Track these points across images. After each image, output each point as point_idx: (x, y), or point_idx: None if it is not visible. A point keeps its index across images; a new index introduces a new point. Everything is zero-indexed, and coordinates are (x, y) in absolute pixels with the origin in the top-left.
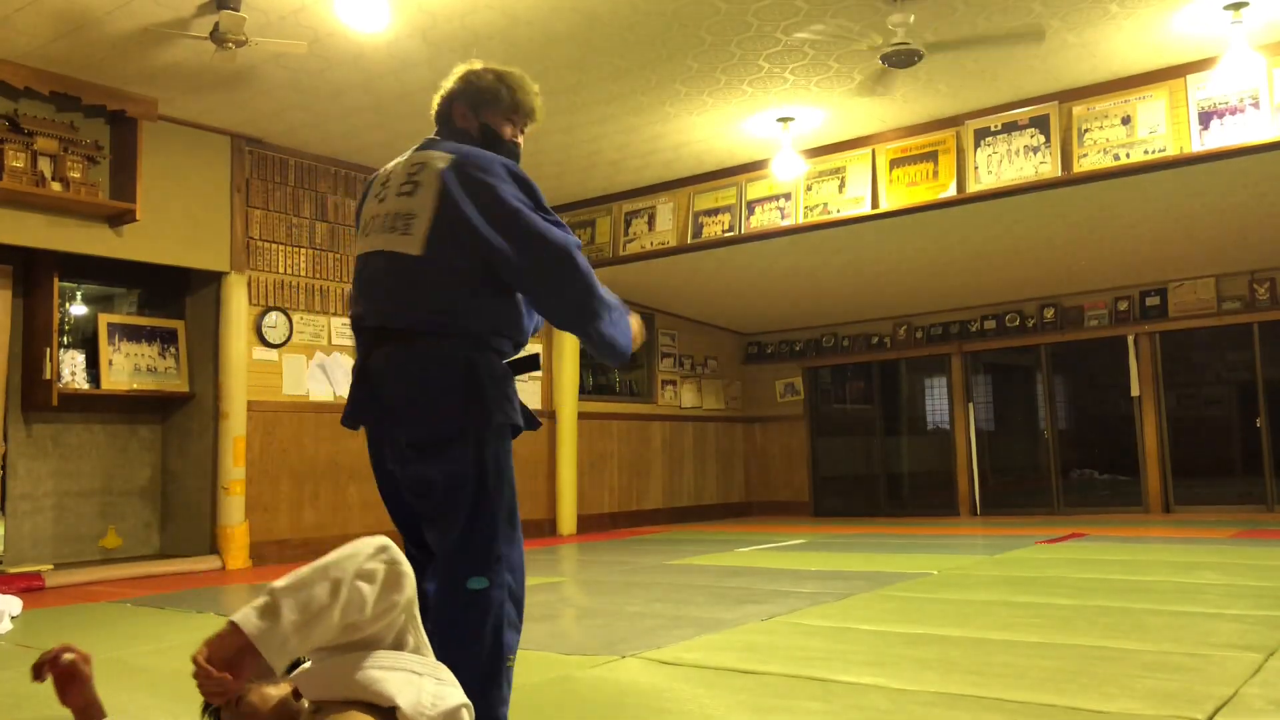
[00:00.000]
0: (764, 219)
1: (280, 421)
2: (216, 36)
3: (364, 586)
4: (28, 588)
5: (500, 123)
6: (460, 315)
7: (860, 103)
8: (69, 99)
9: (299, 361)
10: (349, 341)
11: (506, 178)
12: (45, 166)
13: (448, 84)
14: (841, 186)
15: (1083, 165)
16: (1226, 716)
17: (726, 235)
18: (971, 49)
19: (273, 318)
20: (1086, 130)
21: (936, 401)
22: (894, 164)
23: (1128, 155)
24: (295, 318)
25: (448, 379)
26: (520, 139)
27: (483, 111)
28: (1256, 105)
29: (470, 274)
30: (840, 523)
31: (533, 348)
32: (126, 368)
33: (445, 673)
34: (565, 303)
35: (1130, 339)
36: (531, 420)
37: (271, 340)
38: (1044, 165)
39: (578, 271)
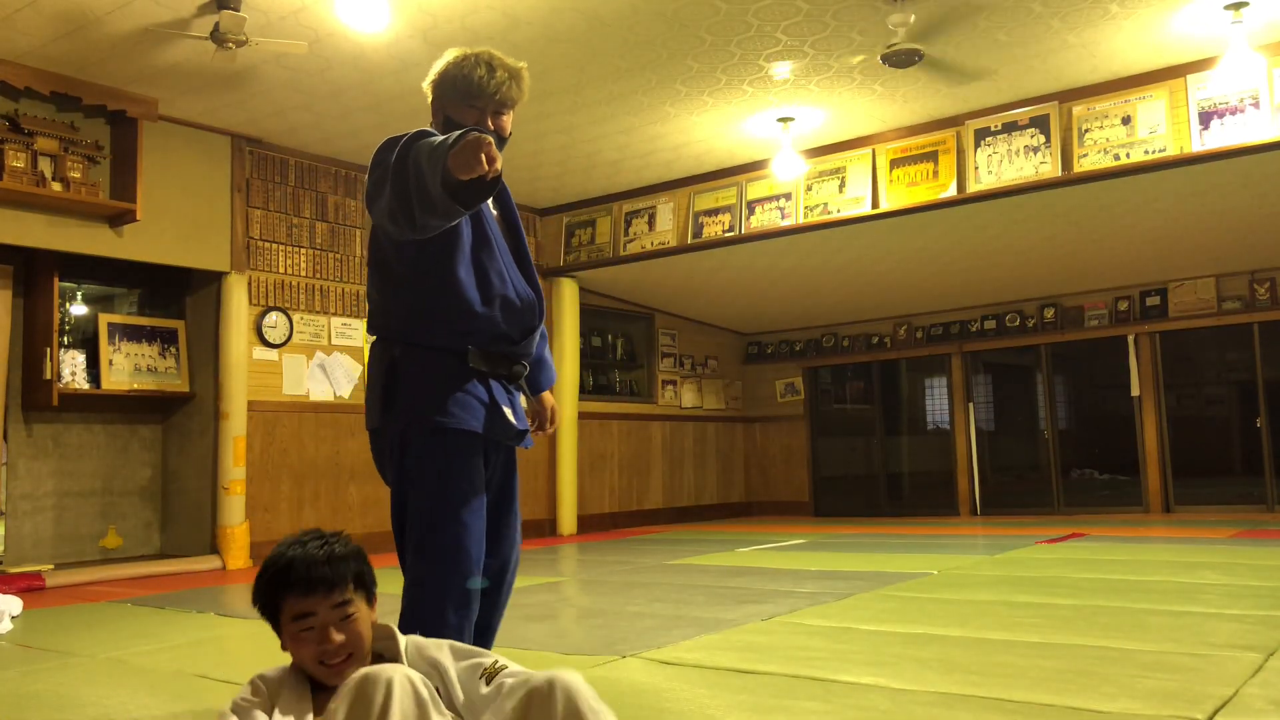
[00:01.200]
0: (764, 219)
1: (280, 421)
2: (217, 36)
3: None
4: (28, 588)
5: (462, 112)
6: (381, 314)
7: (860, 103)
8: (69, 99)
9: (299, 361)
10: (349, 341)
11: (383, 152)
12: (45, 166)
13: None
14: (841, 186)
15: (1083, 165)
16: (1226, 716)
17: (726, 235)
18: (940, 69)
19: (273, 318)
20: (1086, 130)
21: (936, 401)
22: (894, 164)
23: (1128, 155)
24: (295, 318)
25: (376, 378)
26: (499, 124)
27: (446, 105)
28: (1256, 105)
29: (380, 268)
30: (840, 523)
31: None
32: (127, 368)
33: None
34: (383, 223)
35: (1130, 339)
36: (500, 427)
37: (272, 340)
38: (1044, 165)
39: (375, 209)
